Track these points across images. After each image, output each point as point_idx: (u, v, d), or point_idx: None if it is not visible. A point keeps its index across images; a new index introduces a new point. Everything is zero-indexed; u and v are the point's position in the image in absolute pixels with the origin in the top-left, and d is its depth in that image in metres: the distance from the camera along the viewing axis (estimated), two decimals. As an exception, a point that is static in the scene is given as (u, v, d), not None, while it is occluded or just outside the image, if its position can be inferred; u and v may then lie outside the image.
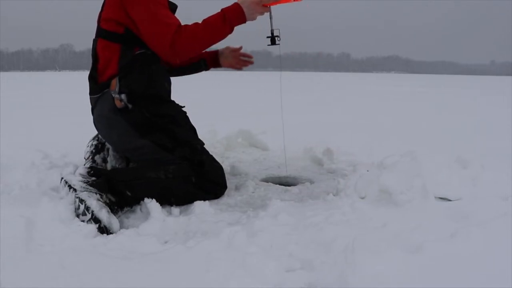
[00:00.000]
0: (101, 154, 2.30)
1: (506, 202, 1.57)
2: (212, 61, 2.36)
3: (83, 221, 1.55)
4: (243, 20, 1.85)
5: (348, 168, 2.53)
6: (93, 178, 1.70)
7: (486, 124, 4.93)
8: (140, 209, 1.75)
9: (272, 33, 2.11)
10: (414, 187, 1.63)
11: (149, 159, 1.93)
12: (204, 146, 2.06)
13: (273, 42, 2.13)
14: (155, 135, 1.92)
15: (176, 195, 1.85)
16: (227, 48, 2.35)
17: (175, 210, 1.78)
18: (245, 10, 1.82)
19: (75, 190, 1.64)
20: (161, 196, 1.79)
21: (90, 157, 2.26)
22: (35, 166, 2.27)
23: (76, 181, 1.67)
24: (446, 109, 7.02)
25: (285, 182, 2.39)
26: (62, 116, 5.10)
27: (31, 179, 2.02)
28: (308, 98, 8.85)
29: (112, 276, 1.18)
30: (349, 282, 1.10)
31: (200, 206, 1.78)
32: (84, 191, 1.63)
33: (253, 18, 1.86)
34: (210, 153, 2.06)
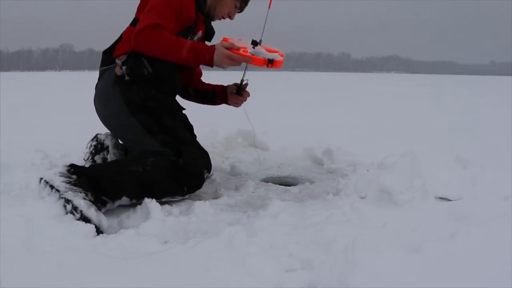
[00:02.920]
0: (101, 154, 2.30)
1: (506, 202, 1.57)
2: (222, 97, 2.39)
3: None
4: (209, 63, 1.90)
5: (348, 168, 2.53)
6: (74, 177, 1.67)
7: (486, 124, 4.93)
8: (140, 209, 1.75)
9: (241, 83, 2.23)
10: (414, 187, 1.63)
11: (132, 140, 1.97)
12: (192, 139, 2.03)
13: (238, 92, 2.25)
14: (143, 115, 1.93)
15: (155, 188, 1.83)
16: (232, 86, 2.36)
17: (175, 210, 1.78)
18: (215, 57, 1.87)
19: (58, 190, 1.60)
20: (142, 190, 1.78)
21: (90, 157, 2.26)
22: (35, 166, 2.28)
23: (59, 181, 1.62)
24: (446, 109, 7.02)
25: (285, 182, 2.40)
26: (62, 116, 5.11)
27: (31, 179, 2.01)
28: (308, 98, 8.85)
29: (112, 276, 1.18)
30: (349, 282, 1.10)
31: (200, 206, 1.78)
32: (69, 191, 1.60)
33: (222, 67, 1.90)
34: (210, 153, 2.06)
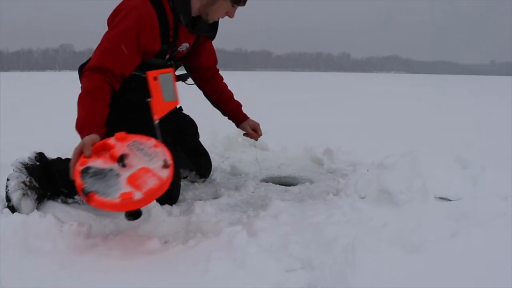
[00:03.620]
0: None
1: (506, 202, 1.57)
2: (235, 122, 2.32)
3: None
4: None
5: (348, 168, 2.53)
6: (38, 163, 1.75)
7: (486, 124, 4.94)
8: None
9: None
10: (414, 187, 1.62)
11: None
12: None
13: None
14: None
15: None
16: (248, 127, 2.28)
17: (175, 210, 1.78)
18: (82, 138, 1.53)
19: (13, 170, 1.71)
20: None
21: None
22: (35, 166, 2.27)
23: (18, 162, 1.73)
24: (446, 109, 7.02)
25: (285, 182, 2.40)
26: (62, 116, 5.08)
27: (31, 179, 2.01)
28: (308, 98, 8.85)
29: (112, 276, 1.18)
30: (349, 282, 1.10)
31: (200, 206, 1.77)
32: (17, 171, 1.69)
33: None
34: (211, 153, 2.05)
